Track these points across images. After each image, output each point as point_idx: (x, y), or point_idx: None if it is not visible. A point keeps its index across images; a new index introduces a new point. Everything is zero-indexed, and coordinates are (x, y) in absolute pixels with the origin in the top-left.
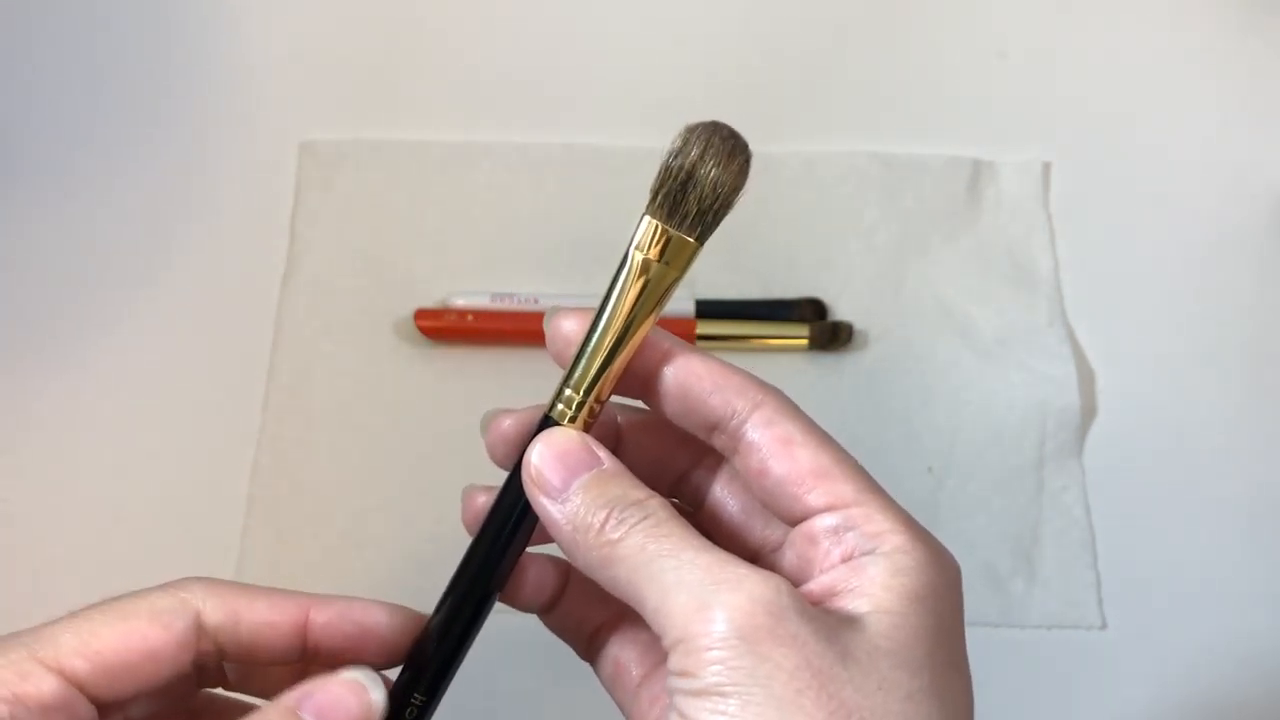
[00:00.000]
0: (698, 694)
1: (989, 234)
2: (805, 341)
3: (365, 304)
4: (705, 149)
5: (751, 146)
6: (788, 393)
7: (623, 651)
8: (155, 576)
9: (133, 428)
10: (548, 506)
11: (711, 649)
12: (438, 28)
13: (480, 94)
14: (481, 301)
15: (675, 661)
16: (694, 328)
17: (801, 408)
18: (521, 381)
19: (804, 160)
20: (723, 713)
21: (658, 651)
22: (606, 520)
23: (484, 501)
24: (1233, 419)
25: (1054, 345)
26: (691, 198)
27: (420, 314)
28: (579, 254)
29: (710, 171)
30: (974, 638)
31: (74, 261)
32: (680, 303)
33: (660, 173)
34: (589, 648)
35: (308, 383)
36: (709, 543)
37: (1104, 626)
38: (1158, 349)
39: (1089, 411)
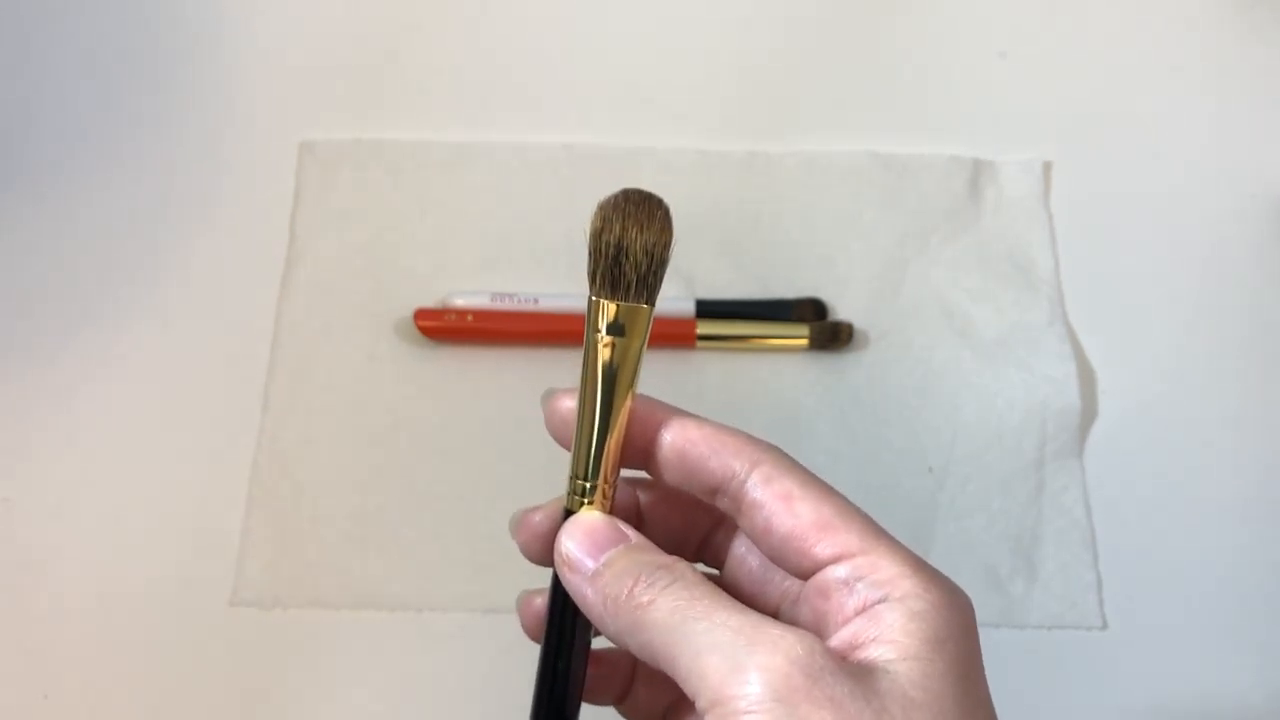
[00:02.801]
0: None
1: (989, 234)
2: (805, 341)
3: (365, 304)
4: (624, 219)
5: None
6: (788, 394)
7: None
8: (155, 576)
9: (133, 427)
10: (578, 584)
11: (748, 712)
12: (437, 28)
13: (480, 94)
14: (481, 301)
15: None
16: (694, 328)
17: (802, 408)
18: (521, 382)
19: (804, 160)
20: None
21: None
22: (635, 585)
23: (540, 603)
24: (1233, 419)
25: (1054, 345)
26: (628, 268)
27: (420, 314)
28: (579, 254)
29: (636, 238)
30: None
31: (74, 261)
32: (680, 303)
33: (590, 255)
34: None
35: (308, 383)
36: (740, 604)
37: (1104, 626)
38: (1158, 349)
39: (1089, 412)
